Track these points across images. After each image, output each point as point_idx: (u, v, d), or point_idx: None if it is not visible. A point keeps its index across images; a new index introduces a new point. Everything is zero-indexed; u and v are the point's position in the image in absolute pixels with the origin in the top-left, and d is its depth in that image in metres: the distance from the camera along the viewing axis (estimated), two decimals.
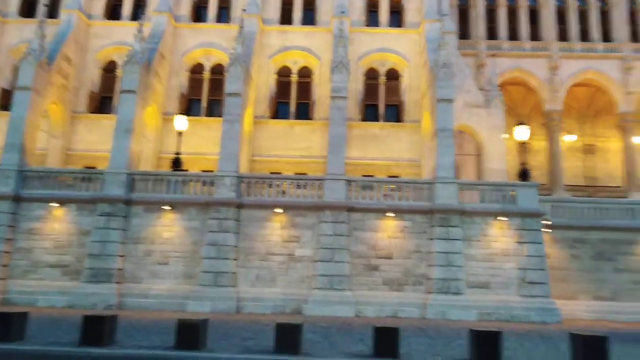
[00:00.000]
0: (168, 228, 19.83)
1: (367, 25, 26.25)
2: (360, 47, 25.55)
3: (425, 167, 23.44)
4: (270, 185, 20.38)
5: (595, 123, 32.41)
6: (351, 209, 19.89)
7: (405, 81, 25.50)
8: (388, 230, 19.84)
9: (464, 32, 28.79)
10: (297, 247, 19.55)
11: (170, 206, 19.92)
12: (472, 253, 19.41)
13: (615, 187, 29.50)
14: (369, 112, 25.84)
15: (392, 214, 19.84)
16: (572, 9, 28.86)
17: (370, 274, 19.27)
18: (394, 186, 20.35)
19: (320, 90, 25.30)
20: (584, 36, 28.62)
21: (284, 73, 26.24)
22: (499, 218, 19.72)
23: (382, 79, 25.83)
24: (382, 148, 24.65)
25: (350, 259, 19.32)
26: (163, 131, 24.43)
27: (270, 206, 19.95)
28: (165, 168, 22.60)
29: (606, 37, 28.50)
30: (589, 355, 9.70)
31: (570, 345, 10.21)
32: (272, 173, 22.69)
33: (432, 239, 19.48)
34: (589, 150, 32.33)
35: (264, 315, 17.68)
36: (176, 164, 21.36)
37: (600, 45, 28.15)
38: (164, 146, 24.14)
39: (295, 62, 26.21)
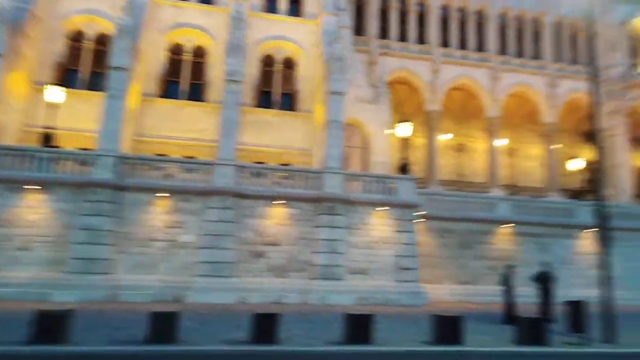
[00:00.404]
0: (34, 210, 17.94)
1: (266, 11, 26.03)
2: (258, 32, 25.29)
3: (316, 156, 24.11)
4: (155, 168, 19.42)
5: (467, 125, 35.90)
6: (241, 196, 19.78)
7: (301, 71, 25.84)
8: (276, 218, 20.11)
9: (359, 29, 29.91)
10: (182, 233, 18.97)
11: (39, 186, 18.04)
12: (353, 241, 20.49)
13: (481, 183, 33.10)
14: (264, 99, 25.77)
15: (281, 202, 20.13)
16: (454, 18, 31.48)
17: (256, 260, 19.41)
18: (285, 174, 20.64)
19: (215, 72, 24.61)
20: (463, 45, 31.41)
21: (177, 50, 25.04)
22: (380, 208, 21.02)
23: (279, 67, 25.89)
24: (275, 135, 24.80)
25: (236, 246, 19.25)
26: (33, 102, 21.91)
27: (154, 190, 19.04)
28: (34, 143, 20.36)
29: (481, 47, 31.58)
30: (446, 332, 10.92)
31: (431, 325, 11.39)
32: (158, 155, 21.62)
33: (318, 226, 20.17)
34: (460, 148, 35.78)
35: (141, 304, 16.93)
36: (47, 139, 19.34)
37: (475, 55, 31.14)
38: (32, 119, 21.67)
39: (189, 40, 25.13)
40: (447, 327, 10.93)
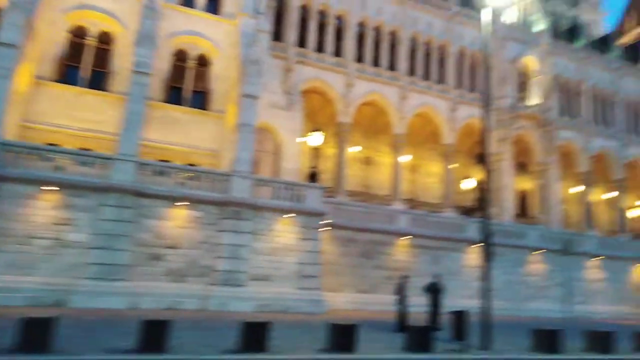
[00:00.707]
0: None
1: (183, 4, 25.05)
2: (172, 25, 24.22)
3: (225, 158, 23.58)
4: (44, 159, 17.68)
5: (375, 139, 37.43)
6: (141, 194, 18.70)
7: (215, 70, 25.18)
8: (178, 220, 19.30)
9: (277, 35, 29.92)
10: (70, 231, 17.42)
11: None
12: (258, 247, 20.29)
13: (384, 195, 34.61)
14: (174, 95, 24.70)
15: (185, 203, 19.36)
16: (369, 36, 32.76)
17: (153, 263, 18.41)
18: (191, 174, 19.90)
19: (122, 61, 23.09)
20: (376, 62, 32.78)
21: (79, 34, 23.12)
22: (287, 215, 21.07)
23: (192, 63, 25.00)
24: (184, 134, 23.86)
25: (132, 247, 18.12)
26: None
27: (40, 182, 17.30)
28: None
29: (392, 67, 33.19)
30: (341, 340, 11.16)
31: (327, 333, 11.58)
32: (49, 144, 19.73)
33: (222, 230, 19.68)
34: (368, 161, 37.20)
35: (15, 308, 15.21)
36: None
37: (387, 73, 32.66)
38: None
39: (94, 24, 23.35)
40: (342, 335, 11.18)
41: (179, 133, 23.68)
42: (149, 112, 21.89)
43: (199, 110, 24.64)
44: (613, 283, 32.48)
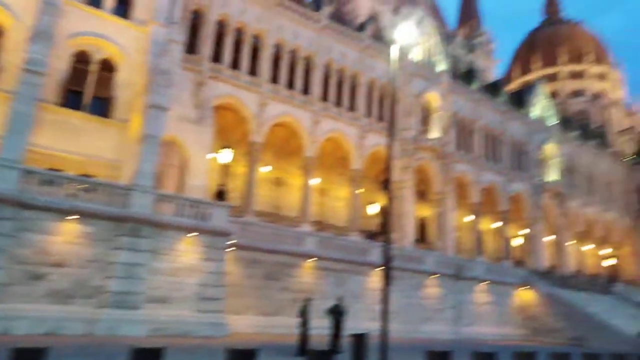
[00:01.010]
0: None
1: (89, 4, 23.42)
2: (75, 24, 22.43)
3: (126, 171, 22.05)
4: None
5: (286, 160, 37.63)
6: (24, 205, 16.74)
7: (121, 76, 23.69)
8: (67, 235, 17.54)
9: (191, 47, 29.10)
10: None
11: None
12: (158, 266, 19.05)
13: (293, 217, 34.67)
14: (73, 99, 22.73)
15: (75, 217, 17.67)
16: (285, 59, 33.13)
17: (32, 283, 16.41)
18: (85, 185, 18.26)
19: (11, 57, 20.78)
20: (291, 84, 33.15)
21: None
22: (191, 234, 20.11)
23: (95, 67, 23.30)
24: (81, 142, 21.97)
25: (8, 265, 16.04)
26: None
27: None
28: None
29: (306, 91, 33.77)
30: None
31: (225, 358, 11.04)
32: None
33: (117, 248, 18.22)
34: (278, 182, 37.18)
35: None
36: None
37: (301, 96, 33.14)
38: None
39: None
40: None
41: (76, 140, 21.76)
42: (41, 115, 19.91)
43: (100, 117, 22.89)
44: (498, 306, 35.32)
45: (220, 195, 23.59)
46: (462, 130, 43.46)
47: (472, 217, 43.15)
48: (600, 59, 76.93)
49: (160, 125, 20.80)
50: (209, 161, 24.71)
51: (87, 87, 23.04)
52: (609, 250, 54.78)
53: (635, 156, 62.92)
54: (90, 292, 17.44)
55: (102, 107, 23.40)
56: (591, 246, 54.48)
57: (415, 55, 41.21)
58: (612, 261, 52.60)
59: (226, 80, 29.87)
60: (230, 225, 21.84)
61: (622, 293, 43.83)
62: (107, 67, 23.71)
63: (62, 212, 17.40)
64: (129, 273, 18.02)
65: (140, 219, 18.71)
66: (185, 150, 24.43)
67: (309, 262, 25.80)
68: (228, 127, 34.01)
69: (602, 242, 54.11)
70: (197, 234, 20.21)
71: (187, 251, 19.89)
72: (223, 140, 32.41)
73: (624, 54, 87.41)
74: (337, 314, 17.10)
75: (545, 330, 34.94)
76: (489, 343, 27.60)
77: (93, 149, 22.21)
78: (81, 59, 23.04)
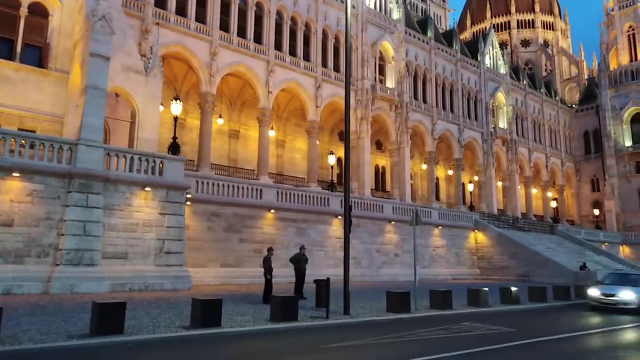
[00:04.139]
0: None
1: None
2: None
3: (70, 125, 20.78)
4: None
5: (241, 112, 36.68)
6: None
7: (54, 22, 21.80)
8: (12, 193, 16.47)
9: None
10: None
11: None
12: (112, 223, 18.38)
13: (251, 169, 34.22)
14: (2, 48, 20.90)
15: (18, 174, 16.56)
16: (235, 4, 31.44)
17: None
18: (24, 141, 17.03)
19: None
20: (242, 33, 31.68)
21: None
22: (145, 188, 19.40)
23: (24, 11, 21.28)
24: (16, 95, 20.38)
25: None
26: None
27: None
28: None
29: (259, 39, 32.42)
30: (205, 316, 10.63)
31: (191, 309, 10.95)
32: None
33: (67, 205, 17.35)
34: (233, 134, 36.31)
35: None
36: None
37: (253, 45, 31.81)
38: None
39: None
40: (207, 311, 10.66)
41: (10, 94, 20.18)
42: None
43: (36, 68, 21.22)
44: (453, 248, 36.96)
45: (174, 149, 22.81)
46: (417, 80, 43.59)
47: (428, 165, 44.17)
48: (548, 9, 78.40)
49: (104, 76, 19.42)
50: (159, 114, 23.57)
51: (18, 34, 21.12)
52: (553, 194, 58.05)
53: (579, 104, 65.78)
54: (44, 250, 16.67)
55: (36, 56, 21.66)
56: (538, 190, 57.49)
57: (370, 2, 40.30)
58: (556, 203, 55.89)
59: (173, 28, 28.15)
60: (187, 179, 21.24)
61: (565, 232, 46.88)
62: (39, 11, 21.74)
63: (4, 170, 16.24)
64: (82, 230, 17.27)
65: (89, 175, 17.78)
66: (134, 103, 23.10)
67: (270, 214, 25.75)
68: (177, 77, 32.51)
69: (548, 185, 57.15)
70: (152, 188, 19.52)
71: (143, 206, 19.24)
72: (172, 91, 31.05)
73: (569, 4, 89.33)
74: (299, 262, 17.26)
75: (496, 269, 37.11)
76: (445, 282, 29.00)
77: (30, 103, 20.71)
78: (9, 2, 20.95)
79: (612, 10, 63.92)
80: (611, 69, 62.12)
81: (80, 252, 17.10)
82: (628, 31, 62.50)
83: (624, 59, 61.70)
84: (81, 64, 20.15)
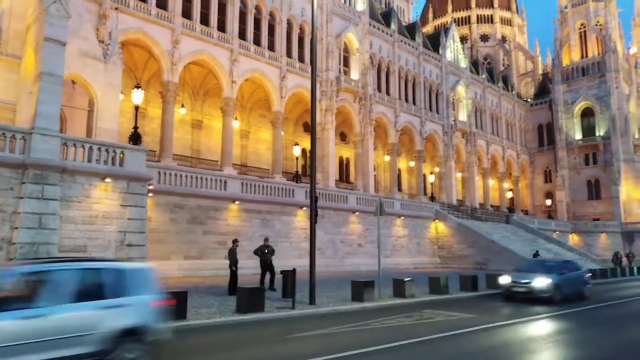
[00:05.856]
0: None
1: None
2: None
3: (23, 113, 19.84)
4: None
5: (204, 101, 36.02)
6: None
7: (5, 3, 20.66)
8: None
9: None
10: None
11: None
12: (70, 215, 17.72)
13: (214, 160, 33.73)
14: None
15: None
16: None
17: None
18: None
19: None
20: (205, 21, 31.01)
21: None
22: (105, 180, 18.80)
23: None
24: None
25: None
26: None
27: None
28: None
29: (222, 28, 31.84)
30: (170, 308, 10.49)
31: None
32: None
33: (22, 197, 16.60)
34: (196, 125, 35.64)
35: None
36: None
37: (216, 33, 31.21)
38: None
39: None
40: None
41: None
42: None
43: None
44: (414, 238, 37.82)
45: (135, 139, 22.20)
46: (380, 72, 44.03)
47: (391, 156, 44.87)
48: (506, 5, 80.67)
49: (59, 62, 18.57)
50: (119, 102, 22.83)
51: None
52: (509, 185, 60.28)
53: (533, 98, 68.35)
54: None
55: None
56: (495, 181, 59.54)
57: None
58: (512, 194, 58.07)
59: (133, 13, 27.21)
60: (149, 170, 20.72)
61: (519, 222, 48.86)
62: None
63: None
64: (38, 223, 16.59)
65: (45, 165, 17.05)
66: (92, 91, 22.26)
67: (234, 205, 25.52)
68: (137, 65, 31.54)
69: (504, 177, 59.25)
70: (113, 180, 18.92)
71: (102, 198, 18.64)
72: (132, 79, 30.11)
73: (525, 1, 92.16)
74: (265, 253, 17.25)
75: (455, 257, 38.28)
76: (407, 271, 29.71)
77: None
78: None
79: (566, 7, 66.48)
80: (564, 64, 64.79)
81: (36, 245, 16.44)
82: (580, 28, 65.26)
83: (576, 56, 64.46)
84: (35, 49, 19.20)
